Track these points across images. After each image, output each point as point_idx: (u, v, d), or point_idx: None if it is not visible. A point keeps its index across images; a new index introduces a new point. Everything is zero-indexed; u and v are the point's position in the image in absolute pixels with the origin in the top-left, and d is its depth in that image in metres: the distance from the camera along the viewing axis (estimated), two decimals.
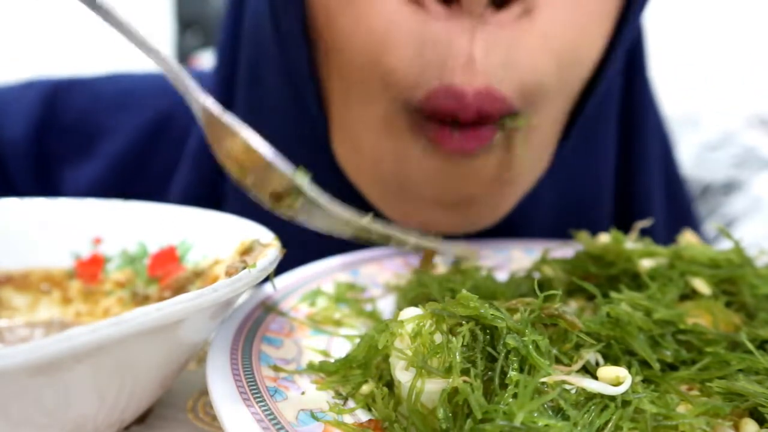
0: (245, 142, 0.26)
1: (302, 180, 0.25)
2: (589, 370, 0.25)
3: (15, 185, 0.52)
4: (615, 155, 0.50)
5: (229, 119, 0.26)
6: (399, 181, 0.38)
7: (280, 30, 0.42)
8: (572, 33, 0.35)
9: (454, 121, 0.34)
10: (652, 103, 0.52)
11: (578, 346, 0.25)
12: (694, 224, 0.56)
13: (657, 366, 0.26)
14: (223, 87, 0.48)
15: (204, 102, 0.26)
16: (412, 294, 0.35)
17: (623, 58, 0.47)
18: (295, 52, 0.41)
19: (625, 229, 0.39)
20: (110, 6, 0.25)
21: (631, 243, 0.36)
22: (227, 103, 0.46)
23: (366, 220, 0.27)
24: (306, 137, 0.43)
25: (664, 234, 0.50)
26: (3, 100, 0.53)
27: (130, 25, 0.26)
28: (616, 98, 0.49)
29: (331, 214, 0.26)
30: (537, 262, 0.37)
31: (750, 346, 0.26)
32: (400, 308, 0.28)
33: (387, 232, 0.27)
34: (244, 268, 0.26)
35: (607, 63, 0.40)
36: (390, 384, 0.26)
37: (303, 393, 0.25)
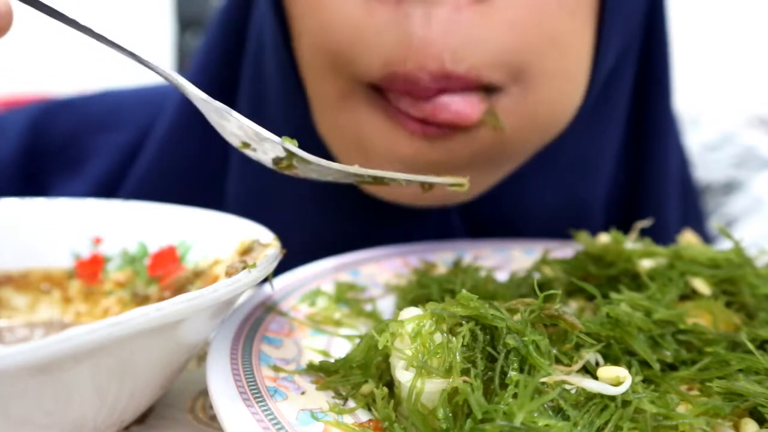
0: (244, 126, 0.28)
1: (291, 145, 0.28)
2: (589, 371, 0.25)
3: None
4: (620, 157, 0.50)
5: (221, 106, 0.28)
6: (370, 159, 0.37)
7: (261, 13, 0.44)
8: (536, 16, 0.34)
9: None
10: (670, 109, 0.51)
11: (578, 347, 0.25)
12: (704, 224, 0.56)
13: (657, 366, 0.26)
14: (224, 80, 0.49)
15: (205, 98, 0.28)
16: (412, 295, 0.35)
17: (636, 54, 0.47)
18: (271, 34, 0.43)
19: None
20: (133, 46, 0.27)
21: (630, 243, 0.36)
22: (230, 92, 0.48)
23: (355, 168, 0.29)
24: (296, 121, 0.43)
25: (677, 233, 0.50)
26: None
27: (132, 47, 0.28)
28: (625, 99, 0.48)
29: (322, 168, 0.29)
30: (537, 263, 0.37)
31: (750, 346, 0.26)
32: (399, 308, 0.28)
33: (377, 174, 0.29)
34: (244, 268, 0.26)
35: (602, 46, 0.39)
36: (390, 384, 0.26)
37: (303, 393, 0.25)
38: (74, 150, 0.54)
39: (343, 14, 0.34)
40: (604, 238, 0.37)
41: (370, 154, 0.37)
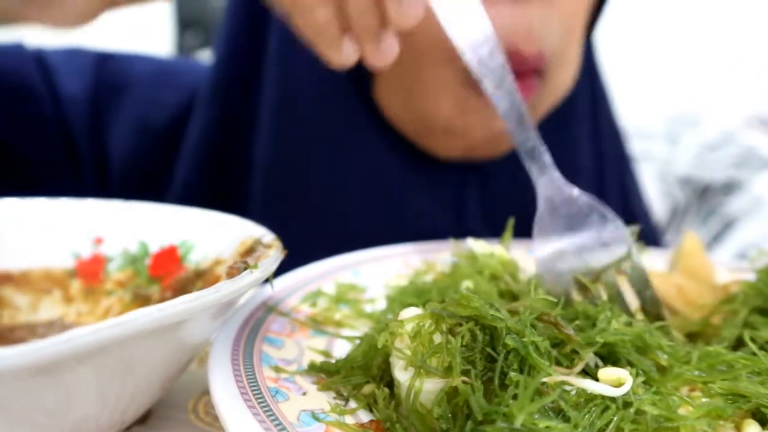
0: None
1: None
2: (588, 373, 0.25)
3: (75, 144, 0.55)
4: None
5: None
6: (449, 126, 0.46)
7: None
8: (573, 13, 0.44)
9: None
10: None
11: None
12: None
13: (657, 374, 0.26)
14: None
15: None
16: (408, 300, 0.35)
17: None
18: None
19: None
20: None
21: None
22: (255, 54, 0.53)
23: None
24: (343, 86, 0.50)
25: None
26: (54, 61, 0.55)
27: None
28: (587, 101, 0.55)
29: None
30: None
31: (753, 347, 0.26)
32: (391, 310, 0.28)
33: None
34: (246, 268, 0.26)
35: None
36: (391, 384, 0.26)
37: (304, 393, 0.25)
38: (131, 94, 0.57)
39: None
40: None
41: (472, 113, 0.46)
